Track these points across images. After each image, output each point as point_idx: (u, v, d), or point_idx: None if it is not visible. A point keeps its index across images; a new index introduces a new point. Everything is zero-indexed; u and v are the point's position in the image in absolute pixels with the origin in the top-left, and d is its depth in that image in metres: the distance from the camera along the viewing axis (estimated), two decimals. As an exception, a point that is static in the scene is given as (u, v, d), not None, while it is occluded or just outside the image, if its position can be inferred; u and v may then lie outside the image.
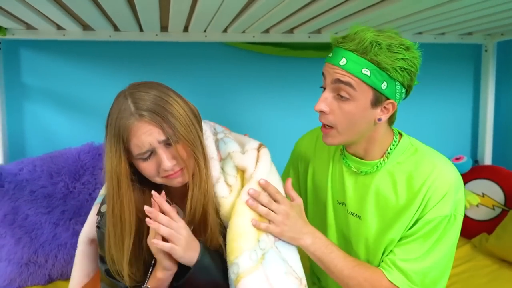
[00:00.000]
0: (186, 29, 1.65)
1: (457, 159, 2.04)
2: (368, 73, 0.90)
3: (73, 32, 1.59)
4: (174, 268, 0.92)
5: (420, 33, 1.87)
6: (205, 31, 1.67)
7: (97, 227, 1.01)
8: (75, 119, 1.73)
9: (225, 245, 0.95)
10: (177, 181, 0.92)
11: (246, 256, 0.91)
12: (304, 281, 0.95)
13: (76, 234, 1.48)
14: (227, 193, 0.97)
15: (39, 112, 1.72)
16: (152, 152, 0.88)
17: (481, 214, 1.91)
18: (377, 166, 1.02)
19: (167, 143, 0.88)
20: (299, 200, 1.01)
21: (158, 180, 0.91)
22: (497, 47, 2.00)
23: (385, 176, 1.02)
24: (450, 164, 1.01)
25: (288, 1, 1.24)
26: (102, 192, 1.11)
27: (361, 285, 0.97)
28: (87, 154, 1.59)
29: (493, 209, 1.88)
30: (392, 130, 1.06)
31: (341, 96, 0.93)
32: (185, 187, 0.96)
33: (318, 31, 1.76)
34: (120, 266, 0.93)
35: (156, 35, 1.65)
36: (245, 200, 0.96)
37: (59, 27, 1.56)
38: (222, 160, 1.02)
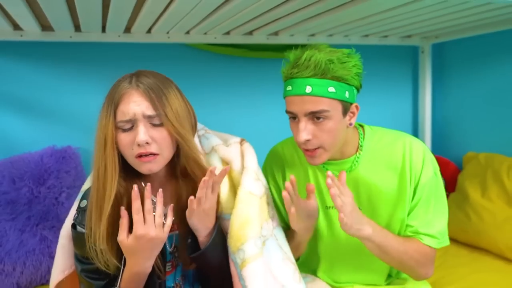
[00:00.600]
0: (149, 30, 1.66)
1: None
2: (334, 90, 0.97)
3: (32, 32, 1.54)
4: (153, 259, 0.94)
5: (366, 35, 2.03)
6: (168, 32, 1.70)
7: (73, 225, 0.99)
8: (34, 123, 1.68)
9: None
10: (147, 167, 0.92)
11: (251, 243, 0.97)
12: (296, 266, 1.04)
13: (44, 239, 1.46)
14: None
15: (-5, 116, 1.64)
16: (133, 126, 0.91)
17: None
18: (356, 160, 1.11)
19: (152, 122, 0.91)
20: (315, 200, 1.04)
21: (130, 159, 0.93)
22: (432, 48, 2.22)
23: (368, 166, 1.11)
24: (410, 135, 1.15)
25: (249, 9, 1.32)
26: (84, 187, 1.11)
27: (413, 257, 1.07)
28: (50, 157, 1.56)
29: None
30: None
31: (318, 118, 0.99)
32: (176, 184, 1.00)
33: (276, 33, 1.86)
34: (97, 238, 0.91)
35: (119, 36, 1.65)
36: (249, 189, 1.01)
37: (16, 27, 1.51)
38: (206, 154, 1.07)
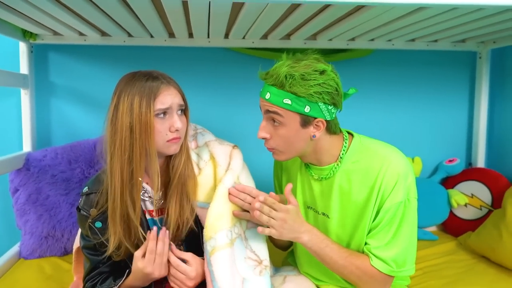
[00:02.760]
0: (191, 35, 1.84)
1: (450, 161, 2.13)
2: (289, 102, 1.04)
3: (93, 37, 1.81)
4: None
5: (412, 40, 1.97)
6: (208, 37, 1.85)
7: (77, 208, 1.17)
8: (93, 114, 1.96)
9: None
10: (174, 148, 1.10)
11: (223, 233, 1.09)
12: (266, 262, 1.14)
13: (88, 213, 1.71)
14: (197, 172, 1.16)
15: (64, 107, 1.95)
16: (167, 113, 1.07)
17: (469, 213, 1.99)
18: (333, 170, 1.16)
19: (181, 110, 1.10)
20: (295, 203, 1.12)
21: (160, 143, 1.07)
22: (491, 54, 2.07)
23: (344, 176, 1.15)
24: (398, 155, 1.14)
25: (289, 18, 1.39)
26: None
27: (353, 273, 1.12)
28: (101, 145, 1.81)
29: (480, 209, 1.96)
30: (342, 135, 1.18)
31: (274, 122, 1.08)
32: (166, 171, 1.16)
33: (313, 37, 1.91)
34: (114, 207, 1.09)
35: (165, 40, 1.85)
36: (227, 186, 1.14)
37: (80, 33, 1.79)
38: (198, 147, 1.21)
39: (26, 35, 1.76)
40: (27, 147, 1.83)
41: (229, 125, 2.03)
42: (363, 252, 1.14)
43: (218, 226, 1.09)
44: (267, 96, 1.07)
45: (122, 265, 1.16)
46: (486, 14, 1.42)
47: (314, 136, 1.09)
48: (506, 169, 2.01)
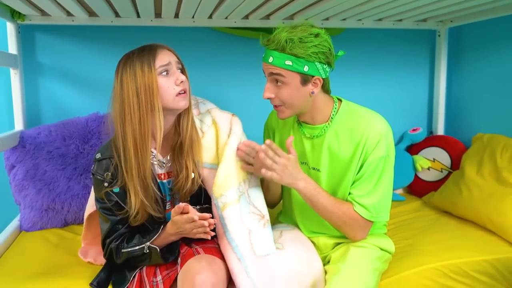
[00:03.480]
0: (177, 15, 1.93)
1: (414, 130, 2.35)
2: (290, 63, 1.19)
3: (81, 17, 1.87)
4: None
5: (380, 19, 2.16)
6: (193, 17, 1.95)
7: (92, 174, 1.26)
8: (83, 92, 2.02)
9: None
10: (184, 103, 1.21)
11: (233, 191, 1.24)
12: (267, 217, 1.30)
13: (86, 186, 1.80)
14: (200, 136, 1.30)
15: (52, 86, 2.00)
16: (169, 70, 1.18)
17: (431, 176, 2.23)
18: (324, 129, 1.33)
19: (179, 68, 1.21)
20: (294, 153, 1.28)
21: (170, 99, 1.17)
22: (449, 32, 2.29)
23: (333, 135, 1.32)
24: (380, 118, 1.32)
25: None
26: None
27: (340, 218, 1.28)
28: (94, 121, 1.88)
29: (441, 171, 2.20)
30: (332, 98, 1.35)
31: (277, 82, 1.24)
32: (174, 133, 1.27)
33: (291, 17, 2.05)
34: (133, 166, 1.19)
35: (151, 20, 1.94)
36: (234, 148, 1.28)
37: (68, 14, 1.84)
38: (200, 114, 1.34)
39: (14, 15, 1.79)
40: (19, 125, 1.88)
41: (215, 101, 2.13)
42: (347, 200, 1.32)
43: (228, 185, 1.23)
44: (270, 59, 1.21)
45: (139, 226, 1.26)
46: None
47: (312, 92, 1.25)
48: (462, 136, 2.26)
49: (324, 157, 1.33)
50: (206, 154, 1.29)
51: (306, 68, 1.20)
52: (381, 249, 1.39)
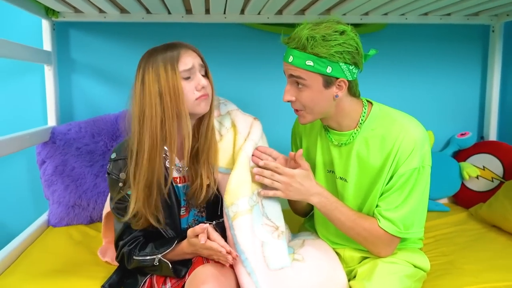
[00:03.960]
0: (207, 11, 1.88)
1: (462, 134, 2.16)
2: (312, 63, 1.08)
3: (112, 14, 1.86)
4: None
5: (425, 14, 1.99)
6: (224, 13, 1.89)
7: (107, 173, 1.23)
8: (113, 89, 2.02)
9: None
10: (204, 105, 1.15)
11: (245, 200, 1.16)
12: (282, 228, 1.21)
13: (112, 184, 1.79)
14: (218, 139, 1.22)
15: (85, 83, 2.02)
16: (192, 74, 1.12)
17: (480, 185, 2.03)
18: (352, 136, 1.21)
19: (202, 73, 1.15)
20: (305, 166, 1.19)
21: (190, 102, 1.12)
22: (504, 27, 2.08)
23: (362, 142, 1.20)
24: (416, 123, 1.19)
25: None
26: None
27: (360, 234, 1.18)
28: (123, 119, 1.87)
29: (492, 181, 2.00)
30: (362, 101, 1.23)
31: (298, 84, 1.13)
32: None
33: (327, 11, 1.93)
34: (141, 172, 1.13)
35: (182, 17, 1.90)
36: (249, 154, 1.20)
37: (100, 11, 1.84)
38: (220, 115, 1.27)
39: (48, 12, 1.82)
40: (51, 121, 1.91)
41: (246, 100, 2.08)
42: (373, 214, 1.20)
43: (240, 193, 1.15)
44: (290, 59, 1.12)
45: (153, 231, 1.21)
46: None
47: (337, 96, 1.14)
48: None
49: (352, 166, 1.21)
50: (222, 158, 1.22)
51: (329, 69, 1.09)
52: (415, 266, 1.25)
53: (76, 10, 1.84)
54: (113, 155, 1.23)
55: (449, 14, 2.01)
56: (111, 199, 1.25)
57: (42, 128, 1.78)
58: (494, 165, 2.02)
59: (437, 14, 1.99)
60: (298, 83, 1.13)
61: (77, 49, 1.99)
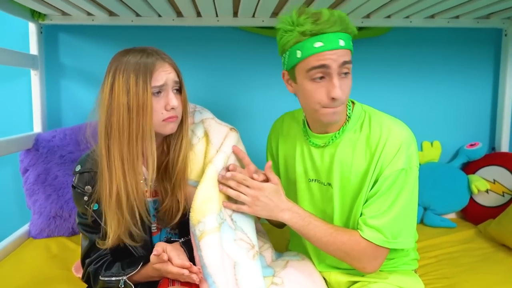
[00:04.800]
0: (199, 14, 1.79)
1: (471, 145, 2.02)
2: (351, 44, 1.01)
3: (100, 17, 1.79)
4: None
5: (432, 16, 1.87)
6: (217, 15, 1.80)
7: (73, 186, 1.13)
8: (103, 96, 1.95)
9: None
10: (170, 127, 1.05)
11: (213, 217, 1.04)
12: (257, 248, 1.09)
13: (95, 194, 1.71)
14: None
15: (74, 88, 1.95)
16: (162, 91, 1.02)
17: (490, 200, 1.89)
18: (335, 137, 1.09)
19: (176, 88, 1.05)
20: (275, 180, 1.08)
21: (156, 122, 1.02)
22: (518, 31, 1.95)
23: (347, 144, 1.09)
24: (400, 124, 1.08)
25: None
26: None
27: (340, 249, 1.05)
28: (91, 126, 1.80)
29: (503, 195, 1.86)
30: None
31: (344, 74, 1.00)
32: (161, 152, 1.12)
33: (325, 14, 1.83)
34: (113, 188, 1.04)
35: (173, 20, 1.82)
36: (218, 168, 1.08)
37: (88, 13, 1.77)
38: (193, 123, 1.17)
39: (34, 15, 1.76)
40: (37, 128, 1.84)
41: (237, 105, 1.99)
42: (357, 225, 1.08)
43: (207, 210, 1.05)
44: (342, 43, 0.97)
45: (122, 248, 1.12)
46: None
47: None
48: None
49: (336, 170, 1.10)
50: (192, 170, 1.12)
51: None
52: None
53: (63, 13, 1.77)
54: (78, 168, 1.13)
55: (457, 17, 1.88)
56: (77, 214, 1.16)
57: (26, 135, 1.72)
58: (506, 178, 1.88)
59: (444, 17, 1.87)
60: (344, 72, 1.00)
61: (66, 53, 1.93)
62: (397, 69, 2.03)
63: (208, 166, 1.08)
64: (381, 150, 1.03)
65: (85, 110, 1.93)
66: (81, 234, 1.16)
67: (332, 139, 1.10)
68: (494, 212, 1.84)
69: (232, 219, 1.09)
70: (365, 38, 1.99)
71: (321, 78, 0.99)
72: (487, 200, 1.90)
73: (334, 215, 1.13)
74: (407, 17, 1.86)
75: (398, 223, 1.04)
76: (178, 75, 1.06)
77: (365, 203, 1.06)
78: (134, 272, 1.05)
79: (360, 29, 1.95)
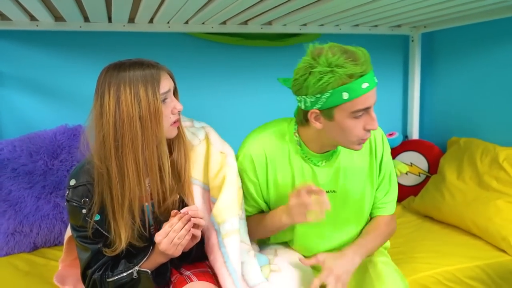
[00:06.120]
0: (151, 20, 1.83)
1: (390, 134, 2.36)
2: None
3: (46, 22, 1.72)
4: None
5: (357, 25, 2.15)
6: (168, 22, 1.85)
7: (67, 200, 1.12)
8: (48, 104, 1.87)
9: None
10: (175, 132, 1.13)
11: (236, 219, 1.15)
12: (252, 249, 1.23)
13: (57, 206, 1.66)
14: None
15: (14, 97, 1.83)
16: (168, 97, 1.08)
17: (410, 180, 2.24)
18: (335, 152, 1.24)
19: (174, 94, 1.13)
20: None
21: (166, 127, 1.08)
22: (421, 37, 2.33)
23: (345, 151, 1.25)
24: None
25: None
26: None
27: (386, 236, 1.30)
28: (63, 134, 1.74)
29: (419, 175, 2.22)
30: None
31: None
32: None
33: (270, 23, 1.99)
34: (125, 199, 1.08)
35: (124, 26, 1.82)
36: (235, 170, 1.20)
37: (32, 18, 1.69)
38: (193, 127, 1.28)
39: (-31, 20, 1.63)
40: (-23, 141, 1.71)
41: (191, 112, 2.05)
42: (373, 209, 1.32)
43: (232, 212, 1.15)
44: (376, 80, 1.10)
45: (124, 253, 1.15)
46: (420, 6, 1.67)
47: None
48: (437, 140, 2.29)
49: (341, 177, 1.25)
50: (195, 169, 1.21)
51: None
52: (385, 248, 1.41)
53: (3, 17, 1.67)
54: (72, 182, 1.12)
55: (376, 26, 2.19)
56: (72, 228, 1.15)
57: (-31, 149, 1.59)
58: (420, 161, 2.24)
59: (366, 25, 2.16)
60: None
61: (4, 61, 1.81)
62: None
63: (226, 171, 1.18)
64: (375, 145, 1.25)
65: (27, 120, 1.86)
66: (78, 247, 1.15)
67: (333, 153, 1.24)
68: (414, 190, 2.19)
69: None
70: (300, 43, 2.20)
71: (360, 115, 1.09)
72: (408, 181, 2.25)
73: (349, 218, 1.30)
74: (337, 25, 2.12)
75: (396, 193, 1.33)
76: (174, 81, 1.15)
77: (377, 189, 1.29)
78: (144, 260, 1.11)
79: (296, 35, 2.17)
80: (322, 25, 2.09)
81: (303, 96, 1.10)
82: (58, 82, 1.87)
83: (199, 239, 1.10)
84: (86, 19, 1.74)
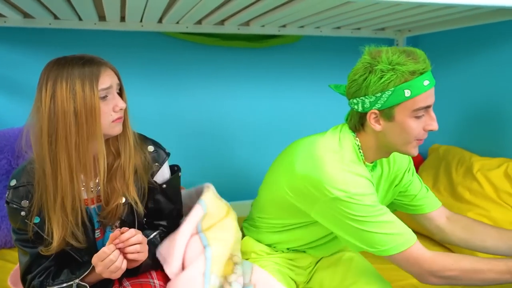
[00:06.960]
0: (123, 19, 1.79)
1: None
2: None
3: (14, 19, 1.69)
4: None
5: (338, 27, 2.10)
6: (141, 21, 1.81)
7: (6, 202, 1.09)
8: (17, 101, 1.84)
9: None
10: (118, 129, 1.09)
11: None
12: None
13: (18, 206, 1.62)
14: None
15: (-20, 95, 1.81)
16: (109, 94, 1.05)
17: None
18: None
19: (117, 91, 1.09)
20: None
21: (106, 125, 1.05)
22: (406, 41, 2.27)
23: (383, 161, 1.24)
24: None
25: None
26: None
27: None
28: (29, 133, 1.71)
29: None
30: None
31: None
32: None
33: (247, 23, 1.95)
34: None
35: (95, 24, 1.78)
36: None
37: (0, 15, 1.66)
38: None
39: None
40: None
41: (164, 113, 2.03)
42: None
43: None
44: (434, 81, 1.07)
45: (66, 257, 1.12)
46: (403, 8, 1.60)
47: None
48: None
49: (381, 191, 1.24)
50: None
51: None
52: None
53: (-31, 14, 1.64)
54: (13, 182, 1.09)
55: (359, 29, 2.14)
56: (12, 230, 1.11)
57: None
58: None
59: (348, 28, 2.11)
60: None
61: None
62: (309, 73, 2.24)
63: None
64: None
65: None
66: (19, 250, 1.12)
67: (376, 164, 1.20)
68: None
69: None
70: (280, 45, 2.16)
71: (422, 114, 1.06)
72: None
73: None
74: (318, 27, 2.07)
75: None
76: (119, 78, 1.11)
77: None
78: (86, 273, 1.07)
79: (276, 36, 2.12)
80: (302, 26, 2.04)
81: (361, 98, 1.08)
82: (26, 80, 1.83)
83: (143, 260, 1.07)
84: (56, 16, 1.71)
